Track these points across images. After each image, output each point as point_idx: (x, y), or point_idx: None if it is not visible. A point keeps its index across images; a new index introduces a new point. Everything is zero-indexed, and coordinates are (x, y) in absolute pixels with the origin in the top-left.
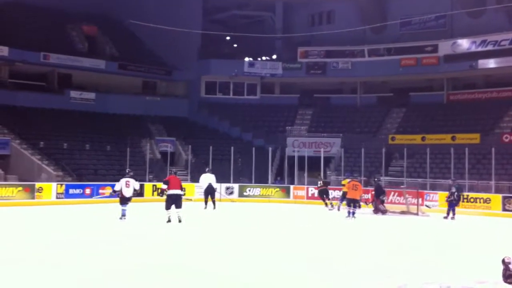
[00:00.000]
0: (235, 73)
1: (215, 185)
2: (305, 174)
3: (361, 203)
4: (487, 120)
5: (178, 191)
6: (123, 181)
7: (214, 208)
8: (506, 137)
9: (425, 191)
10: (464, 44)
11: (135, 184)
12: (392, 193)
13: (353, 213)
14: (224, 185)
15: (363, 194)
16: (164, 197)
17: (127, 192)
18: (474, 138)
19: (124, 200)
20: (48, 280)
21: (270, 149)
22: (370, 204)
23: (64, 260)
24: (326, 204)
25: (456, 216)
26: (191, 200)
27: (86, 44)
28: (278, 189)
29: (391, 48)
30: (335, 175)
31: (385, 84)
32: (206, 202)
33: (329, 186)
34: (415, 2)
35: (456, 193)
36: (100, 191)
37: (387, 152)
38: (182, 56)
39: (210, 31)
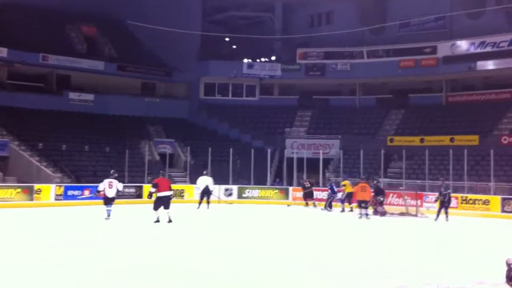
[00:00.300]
0: (234, 75)
1: (212, 187)
2: (304, 176)
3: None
4: (486, 122)
5: (168, 193)
6: (106, 181)
7: (208, 208)
8: (505, 139)
9: (424, 192)
10: (463, 45)
11: (119, 185)
12: (391, 194)
13: (366, 214)
14: (223, 187)
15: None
16: (153, 199)
17: (110, 193)
18: (472, 139)
19: (108, 201)
20: (48, 280)
21: (269, 150)
22: (370, 205)
23: (64, 260)
24: (307, 204)
25: (449, 217)
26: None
27: (85, 45)
28: (277, 190)
29: (390, 49)
30: (334, 176)
31: (384, 86)
32: (200, 203)
33: (314, 188)
34: (415, 3)
35: (445, 193)
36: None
37: (386, 153)
38: (181, 57)
39: (209, 32)
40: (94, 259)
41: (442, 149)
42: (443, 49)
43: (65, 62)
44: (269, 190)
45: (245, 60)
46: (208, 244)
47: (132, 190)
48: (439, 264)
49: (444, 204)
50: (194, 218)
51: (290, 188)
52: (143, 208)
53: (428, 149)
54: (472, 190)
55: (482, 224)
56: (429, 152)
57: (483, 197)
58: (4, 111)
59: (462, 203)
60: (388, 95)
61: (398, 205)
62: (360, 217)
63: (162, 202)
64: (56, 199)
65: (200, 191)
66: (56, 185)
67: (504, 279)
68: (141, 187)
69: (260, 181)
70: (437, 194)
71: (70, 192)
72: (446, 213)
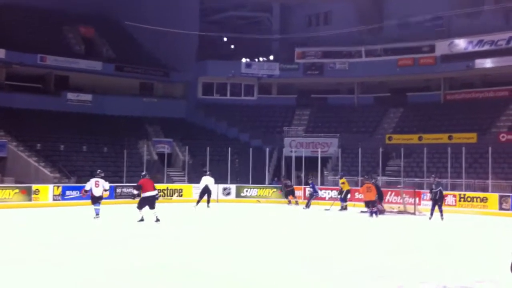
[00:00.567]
0: (232, 74)
1: (212, 187)
2: (302, 175)
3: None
4: (484, 120)
5: (153, 193)
6: (92, 181)
7: (208, 206)
8: (503, 136)
9: (422, 190)
10: (461, 44)
11: (105, 184)
12: (390, 192)
13: (376, 212)
14: (221, 186)
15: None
16: (137, 199)
17: (97, 192)
18: (471, 137)
19: (95, 200)
20: (49, 280)
21: (267, 149)
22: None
23: (64, 260)
24: (289, 202)
25: (447, 215)
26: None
27: (83, 46)
28: (275, 189)
29: (388, 48)
30: (332, 175)
31: (382, 84)
32: (198, 202)
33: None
34: (412, 3)
35: (435, 190)
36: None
37: (384, 152)
38: (179, 58)
39: (207, 32)
40: (95, 259)
41: (440, 147)
42: (441, 47)
43: (63, 63)
44: (267, 189)
45: (243, 60)
46: (208, 244)
47: (131, 190)
48: (437, 263)
49: (436, 202)
50: (193, 217)
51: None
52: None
53: (426, 147)
54: (470, 188)
55: (480, 221)
56: (427, 150)
57: (481, 194)
58: (2, 112)
59: (460, 200)
60: (386, 93)
61: (396, 203)
62: (371, 216)
63: (147, 202)
64: (54, 200)
65: (200, 190)
66: (54, 186)
67: (510, 269)
68: (139, 187)
69: (259, 180)
70: (428, 192)
71: (68, 193)
72: (441, 211)
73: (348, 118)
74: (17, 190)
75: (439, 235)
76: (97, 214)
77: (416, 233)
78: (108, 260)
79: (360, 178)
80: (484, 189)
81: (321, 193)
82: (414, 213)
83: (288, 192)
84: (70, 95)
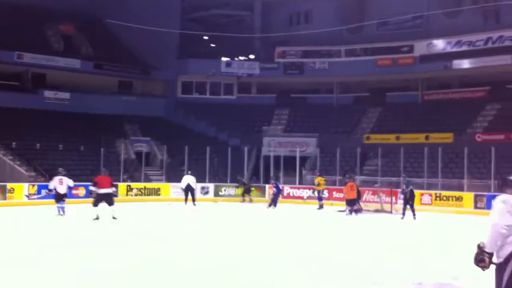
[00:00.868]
0: (212, 73)
1: (194, 185)
2: (281, 174)
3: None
4: (461, 120)
5: (108, 190)
6: (56, 179)
7: (194, 204)
8: (479, 137)
9: (399, 189)
10: (440, 44)
11: (69, 182)
12: (367, 191)
13: (355, 211)
14: (200, 185)
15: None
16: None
17: (62, 189)
18: (447, 137)
19: (60, 197)
20: (37, 281)
21: (245, 149)
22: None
23: (45, 261)
24: (243, 200)
25: (423, 213)
26: (170, 204)
27: (62, 44)
28: (253, 188)
29: (368, 48)
30: (310, 174)
31: (362, 84)
32: (186, 200)
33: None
34: (393, 2)
35: (406, 190)
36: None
37: (362, 151)
38: (160, 56)
39: (188, 31)
40: (80, 260)
41: (417, 146)
42: (420, 48)
43: (41, 61)
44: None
45: (223, 59)
46: (197, 243)
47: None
48: (413, 261)
49: (408, 201)
50: (177, 217)
51: (267, 186)
52: (118, 207)
53: (403, 147)
54: (446, 187)
55: (456, 220)
56: (405, 149)
57: (457, 194)
58: None
59: (435, 199)
60: (365, 93)
61: (373, 202)
62: (350, 214)
63: (103, 199)
64: (29, 198)
65: (182, 190)
66: (29, 184)
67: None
68: (116, 186)
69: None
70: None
71: (44, 192)
72: (413, 210)
73: (327, 117)
74: None
75: (415, 233)
76: (62, 211)
77: (393, 232)
78: (94, 260)
79: (338, 178)
80: (460, 189)
81: (299, 192)
82: (391, 212)
83: (245, 190)
84: (48, 93)
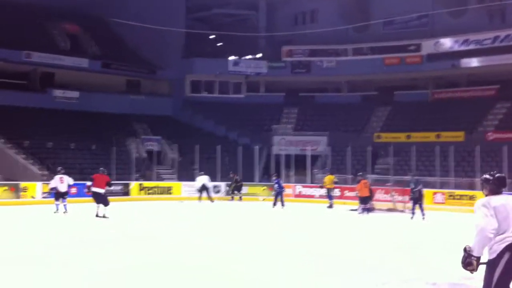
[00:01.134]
0: (219, 72)
1: (209, 184)
2: (292, 172)
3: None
4: (471, 118)
5: (99, 190)
6: (56, 177)
7: (212, 202)
8: (490, 135)
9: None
10: (447, 43)
11: (69, 180)
12: (379, 190)
13: (368, 209)
14: (211, 184)
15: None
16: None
17: (62, 188)
18: (458, 136)
19: (60, 195)
20: (41, 280)
21: (256, 147)
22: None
23: (55, 259)
24: (232, 198)
25: (425, 213)
26: (182, 202)
27: (68, 43)
28: (265, 187)
29: (374, 47)
30: (321, 173)
31: (369, 83)
32: (200, 198)
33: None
34: (397, 2)
35: (415, 189)
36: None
37: (373, 150)
38: (165, 55)
39: (194, 30)
40: (90, 259)
41: (428, 145)
42: (427, 46)
43: (49, 60)
44: (257, 187)
45: (231, 58)
46: (206, 241)
47: (119, 187)
48: (426, 261)
49: (417, 201)
50: (189, 214)
51: None
52: (130, 205)
53: (414, 146)
54: (459, 186)
55: (468, 219)
56: (416, 148)
57: (470, 192)
58: None
59: (448, 198)
60: (373, 92)
61: (385, 201)
62: (362, 212)
63: (95, 197)
64: (42, 197)
65: (197, 189)
66: (43, 183)
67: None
68: (128, 185)
69: (248, 178)
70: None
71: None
72: (422, 210)
73: (336, 116)
74: (5, 188)
75: (428, 232)
76: (58, 209)
77: (405, 230)
78: (102, 260)
79: (350, 176)
80: (472, 187)
81: (310, 191)
82: (403, 211)
83: (236, 187)
84: (56, 92)
